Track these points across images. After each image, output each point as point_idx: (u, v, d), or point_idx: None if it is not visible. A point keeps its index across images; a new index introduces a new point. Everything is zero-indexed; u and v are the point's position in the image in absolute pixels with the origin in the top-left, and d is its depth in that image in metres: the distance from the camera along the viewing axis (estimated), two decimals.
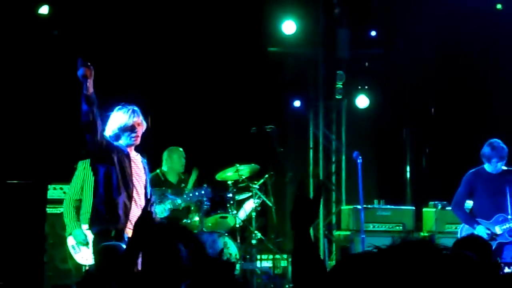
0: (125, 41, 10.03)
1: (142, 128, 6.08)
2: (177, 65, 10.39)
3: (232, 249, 8.74)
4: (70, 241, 7.38)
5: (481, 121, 10.22)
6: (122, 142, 6.00)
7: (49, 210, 8.15)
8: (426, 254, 1.84)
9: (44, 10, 9.47)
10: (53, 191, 8.47)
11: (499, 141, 7.70)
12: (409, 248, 1.88)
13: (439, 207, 9.53)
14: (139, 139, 6.07)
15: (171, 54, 10.31)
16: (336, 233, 10.29)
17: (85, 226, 7.19)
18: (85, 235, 7.21)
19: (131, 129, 5.99)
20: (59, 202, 7.94)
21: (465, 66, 10.60)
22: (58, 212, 8.03)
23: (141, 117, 6.07)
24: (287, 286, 9.31)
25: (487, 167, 7.70)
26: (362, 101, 10.93)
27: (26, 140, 9.52)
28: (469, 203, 7.96)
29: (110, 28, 9.94)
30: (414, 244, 1.89)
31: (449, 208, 9.11)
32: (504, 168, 7.73)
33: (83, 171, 7.38)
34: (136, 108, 6.08)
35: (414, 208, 9.91)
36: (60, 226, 8.34)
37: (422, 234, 9.52)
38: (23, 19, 9.24)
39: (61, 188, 8.49)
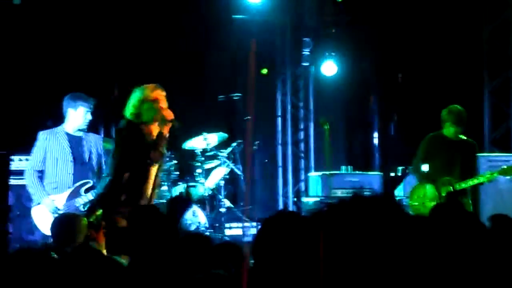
0: (89, 13, 9.89)
1: None
2: (143, 33, 10.26)
3: (201, 218, 8.73)
4: (36, 211, 7.29)
5: (447, 88, 10.26)
6: None
7: (15, 181, 8.06)
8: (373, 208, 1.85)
9: None
10: (19, 162, 8.38)
11: (458, 106, 7.68)
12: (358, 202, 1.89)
13: (407, 172, 9.60)
14: None
15: (135, 23, 10.18)
16: (305, 200, 10.32)
17: (51, 197, 7.13)
18: (55, 205, 7.13)
19: None
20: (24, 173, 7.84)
21: (431, 31, 10.60)
22: (24, 183, 7.94)
23: None
24: None
25: (445, 131, 7.70)
26: (329, 68, 10.90)
27: None
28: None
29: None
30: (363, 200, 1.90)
31: None
32: (463, 137, 7.74)
33: (45, 141, 7.29)
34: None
35: (382, 173, 9.98)
36: (26, 197, 8.26)
37: None
38: None
39: (27, 159, 8.38)
